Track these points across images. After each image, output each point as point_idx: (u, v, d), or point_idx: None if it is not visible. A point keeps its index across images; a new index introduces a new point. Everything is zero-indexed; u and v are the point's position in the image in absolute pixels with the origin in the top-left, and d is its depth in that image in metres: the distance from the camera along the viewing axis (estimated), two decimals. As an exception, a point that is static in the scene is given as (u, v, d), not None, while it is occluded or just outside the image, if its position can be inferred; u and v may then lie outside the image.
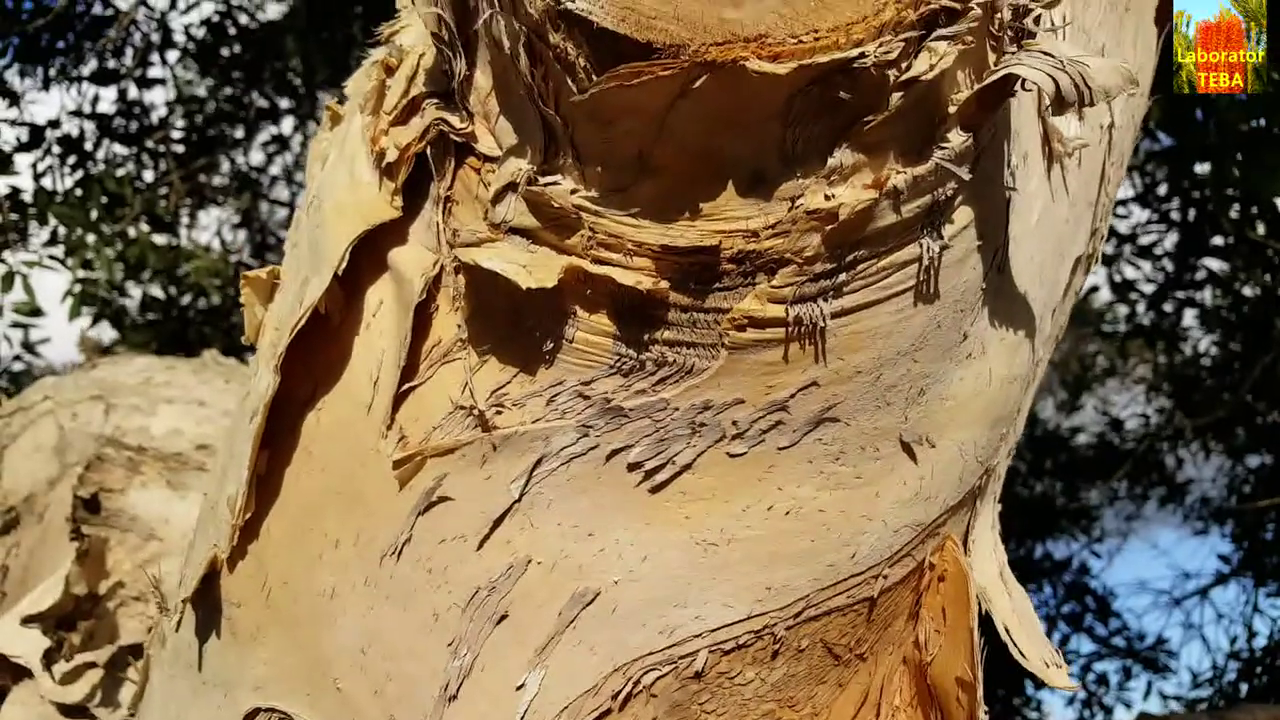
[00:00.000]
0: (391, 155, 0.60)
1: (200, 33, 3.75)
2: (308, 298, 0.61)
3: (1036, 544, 5.12)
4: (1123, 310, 3.94)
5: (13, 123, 3.48)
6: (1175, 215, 3.41)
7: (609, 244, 0.54)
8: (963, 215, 0.55)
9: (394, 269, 0.61)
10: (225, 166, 4.16)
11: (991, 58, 0.55)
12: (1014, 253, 0.63)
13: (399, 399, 0.59)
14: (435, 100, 0.60)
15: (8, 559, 1.55)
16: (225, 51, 3.85)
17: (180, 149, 3.84)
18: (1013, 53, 0.54)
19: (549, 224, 0.55)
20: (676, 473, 0.57)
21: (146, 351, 3.95)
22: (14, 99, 3.54)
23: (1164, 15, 0.91)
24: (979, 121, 0.53)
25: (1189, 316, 3.86)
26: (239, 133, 4.12)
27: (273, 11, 4.23)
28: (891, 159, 0.51)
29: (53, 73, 3.69)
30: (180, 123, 3.88)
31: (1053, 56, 0.52)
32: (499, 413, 0.58)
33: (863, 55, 0.47)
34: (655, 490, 0.57)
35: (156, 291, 3.82)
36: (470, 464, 0.58)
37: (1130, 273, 3.63)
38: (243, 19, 3.87)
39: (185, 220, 4.06)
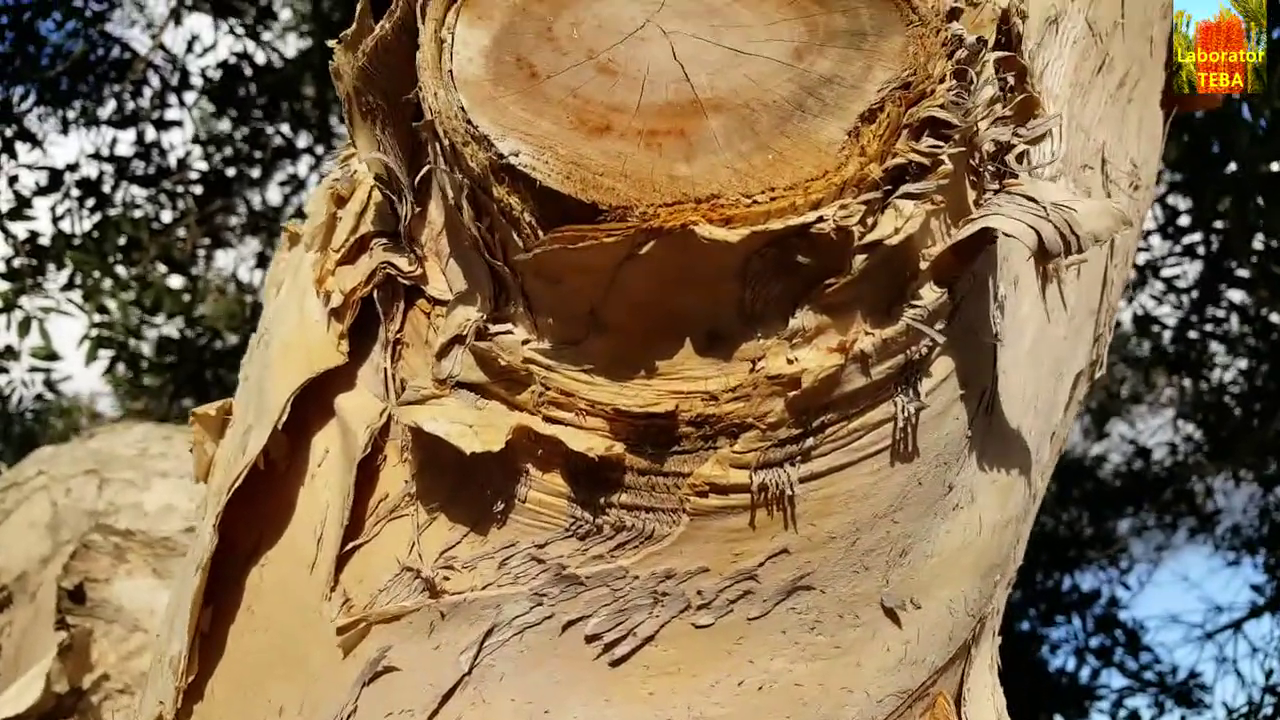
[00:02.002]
0: (337, 300, 0.56)
1: (217, 75, 3.79)
2: (249, 449, 0.57)
3: (1065, 576, 5.01)
4: (1146, 342, 3.86)
5: (31, 166, 3.51)
6: (1197, 246, 3.34)
7: (560, 402, 0.51)
8: (941, 367, 0.51)
9: (340, 417, 0.57)
10: (241, 207, 4.18)
11: (971, 195, 0.51)
12: (1004, 387, 0.59)
13: (343, 558, 0.56)
14: (384, 241, 0.56)
15: (0, 639, 1.53)
16: (242, 91, 3.88)
17: (198, 189, 3.87)
18: (994, 191, 0.50)
19: (498, 379, 0.52)
20: (638, 645, 0.52)
21: (163, 392, 3.96)
22: (35, 142, 3.58)
23: (1170, 97, 0.87)
24: (955, 273, 0.49)
25: (1214, 344, 3.78)
26: (255, 173, 4.14)
27: (291, 48, 4.26)
28: (859, 318, 0.47)
29: (71, 115, 3.73)
30: (199, 164, 3.91)
31: (1035, 202, 0.48)
32: (447, 577, 0.54)
33: (820, 220, 0.43)
34: (616, 664, 0.53)
35: (172, 332, 3.84)
36: (418, 632, 0.54)
37: (1152, 305, 3.56)
38: (259, 57, 3.90)
39: (201, 261, 4.08)
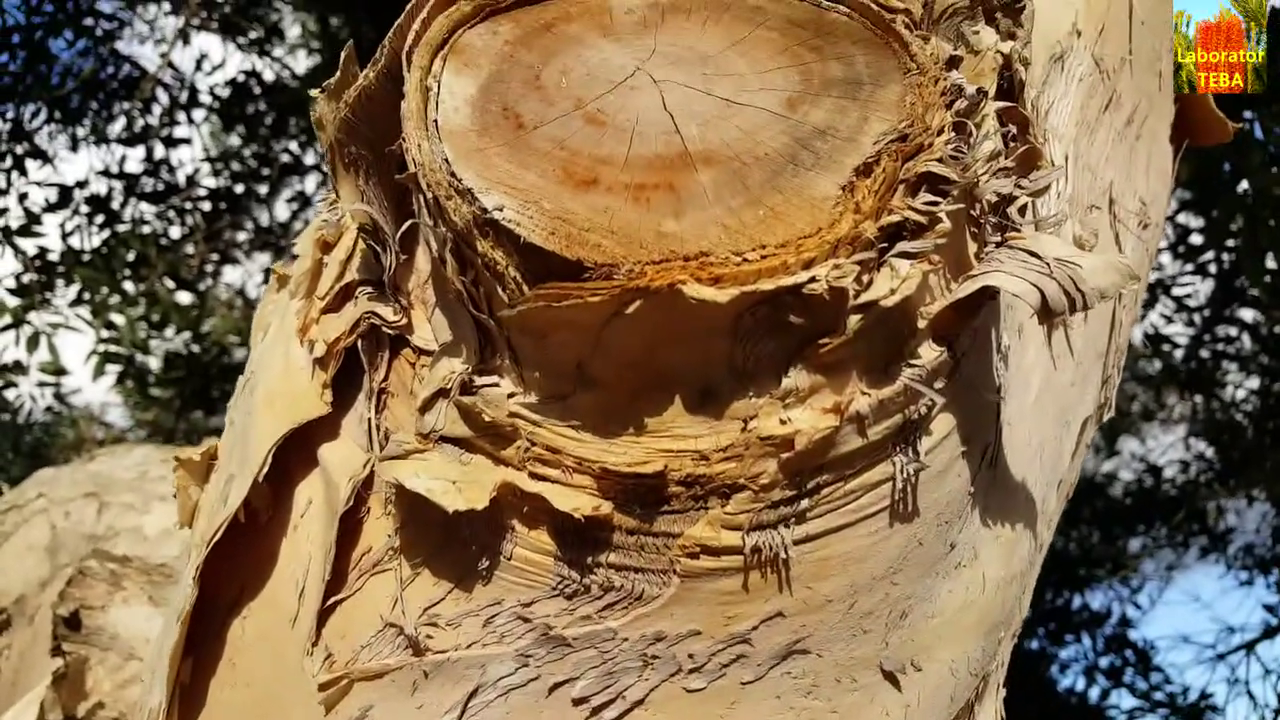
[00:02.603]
0: (320, 349, 0.55)
1: (225, 92, 3.80)
2: (230, 500, 0.56)
3: (1075, 594, 4.97)
4: (1158, 361, 3.84)
5: (41, 183, 3.52)
6: (1208, 264, 3.31)
7: (547, 459, 0.49)
8: (942, 424, 0.49)
9: (323, 467, 0.56)
10: (249, 224, 4.19)
11: (972, 247, 0.50)
12: (1009, 439, 0.57)
13: (326, 612, 0.54)
14: (369, 289, 0.55)
15: (-2, 662, 1.52)
16: (250, 108, 3.89)
17: (206, 206, 3.88)
18: (996, 245, 0.49)
19: (483, 433, 0.50)
20: (627, 709, 0.51)
21: (169, 407, 3.96)
22: (45, 159, 3.59)
23: (1180, 132, 0.85)
24: (956, 330, 0.47)
25: (1226, 363, 3.75)
26: (263, 189, 4.16)
27: (300, 65, 4.28)
28: (854, 378, 0.46)
29: (81, 133, 3.74)
30: (208, 180, 3.92)
31: (1038, 258, 0.46)
32: (431, 635, 0.52)
33: (813, 280, 0.42)
34: (603, 728, 0.51)
35: (179, 347, 3.85)
36: (400, 691, 0.52)
37: (1163, 323, 3.53)
38: (268, 74, 3.92)
39: (209, 277, 4.10)
